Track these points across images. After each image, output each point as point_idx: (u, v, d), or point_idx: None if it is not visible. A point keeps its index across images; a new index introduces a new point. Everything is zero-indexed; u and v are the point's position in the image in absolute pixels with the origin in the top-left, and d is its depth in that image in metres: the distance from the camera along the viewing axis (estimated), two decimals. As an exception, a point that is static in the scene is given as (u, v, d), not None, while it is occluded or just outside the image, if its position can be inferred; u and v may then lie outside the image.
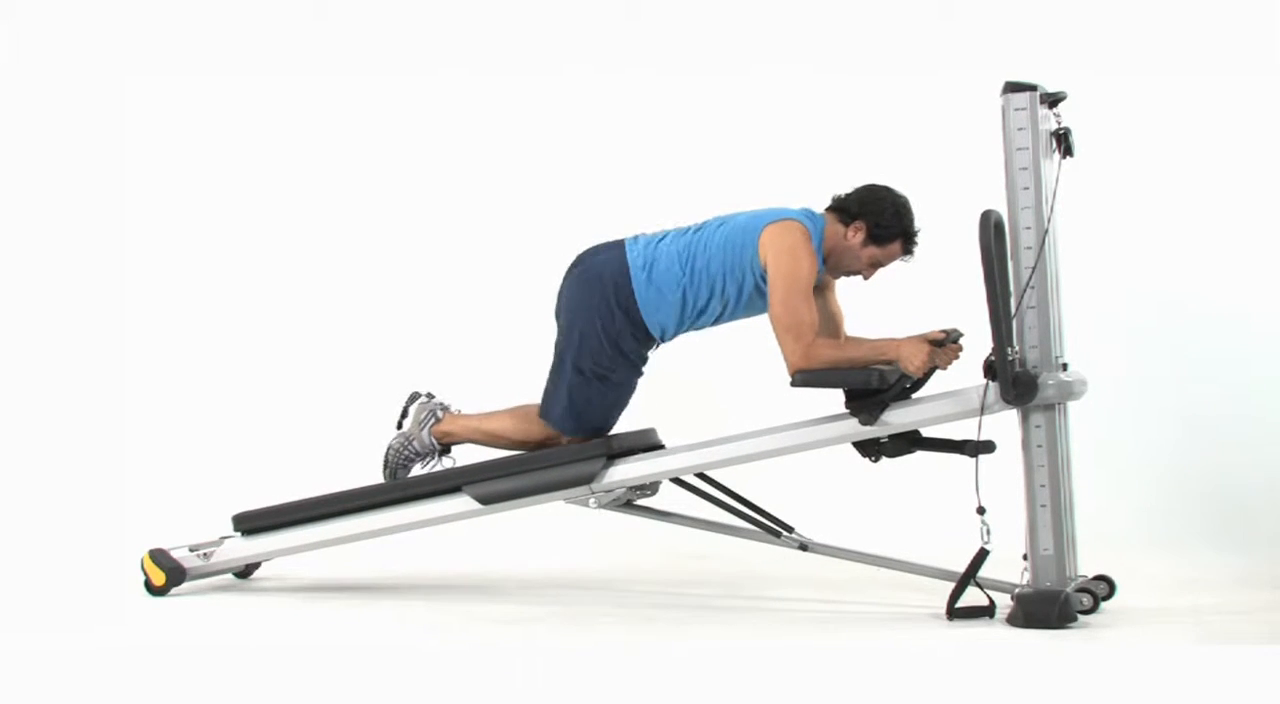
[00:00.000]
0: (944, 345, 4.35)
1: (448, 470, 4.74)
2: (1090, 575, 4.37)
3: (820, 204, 4.57)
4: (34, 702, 3.59)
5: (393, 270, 6.37)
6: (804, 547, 4.56)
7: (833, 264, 4.53)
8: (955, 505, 4.50)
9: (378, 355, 6.29)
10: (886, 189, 4.50)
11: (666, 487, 4.71)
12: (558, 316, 4.66)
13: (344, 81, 6.35)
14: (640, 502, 4.76)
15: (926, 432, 4.42)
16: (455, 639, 4.20)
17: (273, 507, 4.88)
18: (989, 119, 4.25)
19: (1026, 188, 4.21)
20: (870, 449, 4.47)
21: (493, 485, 4.64)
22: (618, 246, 4.57)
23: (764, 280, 4.43)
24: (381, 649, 4.06)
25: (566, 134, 6.29)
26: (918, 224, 4.51)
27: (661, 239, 4.56)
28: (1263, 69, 5.69)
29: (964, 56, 5.86)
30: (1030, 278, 4.20)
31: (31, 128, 6.38)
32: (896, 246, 4.51)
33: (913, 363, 4.34)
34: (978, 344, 4.29)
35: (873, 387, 4.35)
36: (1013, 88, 4.22)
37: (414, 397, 4.83)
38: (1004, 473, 4.37)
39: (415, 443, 4.76)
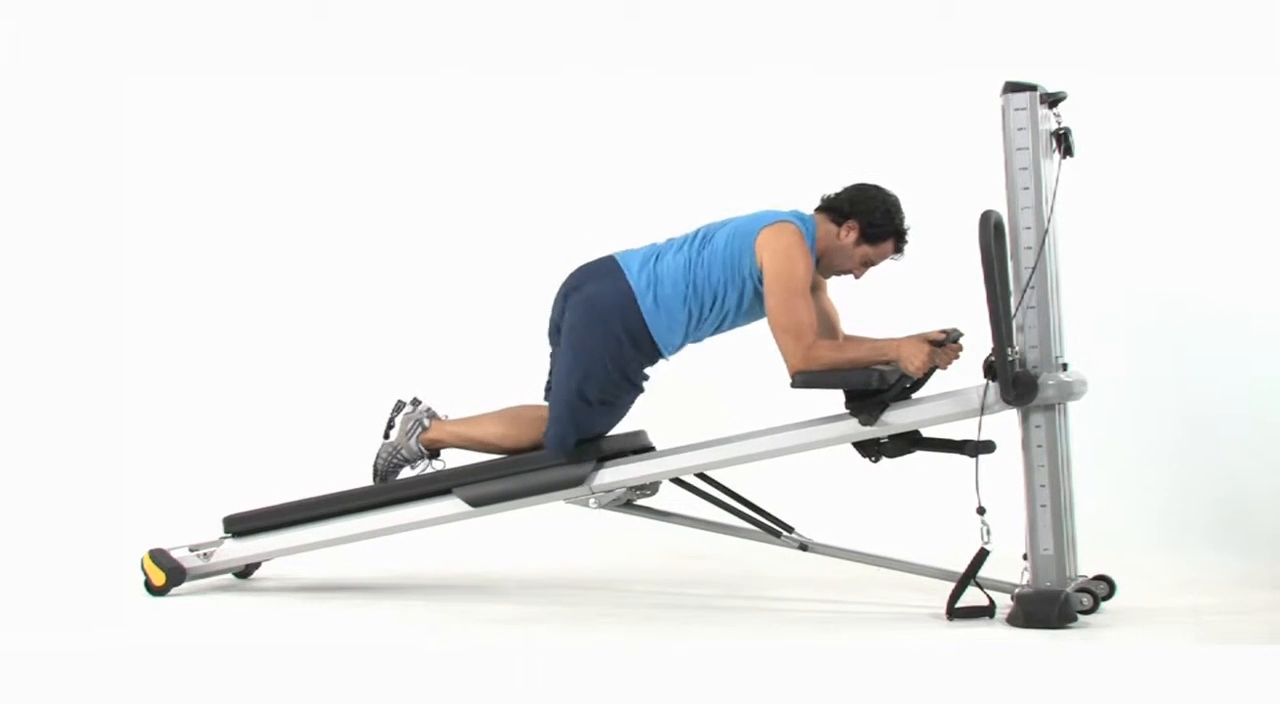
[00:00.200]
0: (944, 345, 4.35)
1: (438, 473, 4.74)
2: (1090, 575, 4.37)
3: (812, 206, 4.56)
4: (34, 702, 3.59)
5: (391, 270, 6.36)
6: (804, 547, 4.56)
7: (825, 264, 4.53)
8: (955, 505, 4.51)
9: (377, 355, 6.29)
10: (876, 188, 4.51)
11: (666, 487, 4.71)
12: (552, 335, 4.65)
13: (344, 81, 6.35)
14: (640, 502, 4.76)
15: (926, 432, 4.42)
16: (455, 639, 4.20)
17: (262, 509, 4.88)
18: (989, 119, 4.25)
19: (1026, 188, 4.21)
20: (870, 449, 4.47)
21: (483, 488, 4.64)
22: (615, 272, 4.53)
23: (761, 284, 4.43)
24: (381, 649, 4.06)
25: (566, 134, 6.29)
26: (908, 222, 4.51)
27: (658, 257, 4.53)
28: (1263, 69, 5.69)
29: (964, 56, 5.85)
30: (1030, 278, 4.20)
31: (32, 128, 6.37)
32: (889, 245, 4.51)
33: (913, 363, 4.34)
34: (978, 344, 4.29)
35: (873, 387, 4.35)
36: (1013, 88, 4.22)
37: (399, 406, 4.82)
38: (1004, 473, 4.37)
39: (403, 451, 4.76)
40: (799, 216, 4.50)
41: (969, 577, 4.26)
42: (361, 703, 3.55)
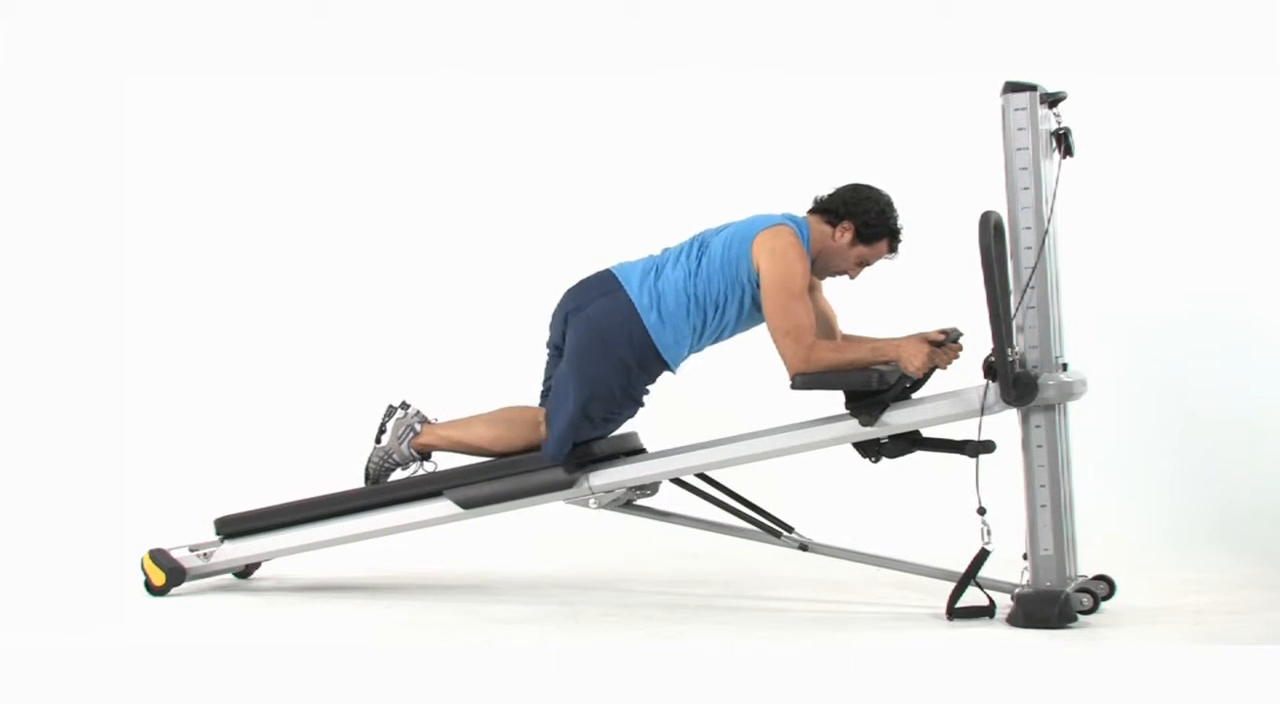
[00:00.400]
0: (944, 345, 4.35)
1: (429, 475, 4.75)
2: (1090, 575, 4.37)
3: (805, 209, 4.56)
4: (34, 702, 3.59)
5: (386, 272, 6.36)
6: (804, 547, 4.56)
7: (820, 265, 4.53)
8: (955, 505, 4.51)
9: (376, 355, 6.29)
10: (870, 188, 4.51)
11: (666, 487, 4.71)
12: (553, 349, 4.64)
13: (344, 81, 6.35)
14: (640, 502, 4.77)
15: (927, 432, 4.42)
16: (456, 639, 4.20)
17: (254, 511, 4.89)
18: (989, 119, 4.25)
19: (1026, 188, 4.21)
20: (870, 450, 4.47)
21: (473, 490, 4.65)
22: (615, 288, 4.52)
23: (759, 289, 4.42)
24: (381, 649, 4.06)
25: (565, 135, 6.29)
26: (902, 221, 4.51)
27: (657, 271, 4.52)
28: (1263, 69, 5.69)
29: (964, 56, 5.85)
30: (1030, 278, 4.20)
31: (32, 128, 6.38)
32: (883, 245, 4.51)
33: (913, 363, 4.34)
34: (978, 344, 4.29)
35: (873, 388, 4.35)
36: (1013, 88, 4.22)
37: (391, 411, 4.82)
38: (1004, 473, 4.37)
39: (395, 455, 4.76)
40: (792, 219, 4.50)
41: (969, 577, 4.25)
42: (362, 703, 3.55)
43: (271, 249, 6.40)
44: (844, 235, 4.49)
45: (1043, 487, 4.21)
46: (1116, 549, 4.89)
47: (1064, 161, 4.27)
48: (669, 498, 4.75)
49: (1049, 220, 4.22)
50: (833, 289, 4.68)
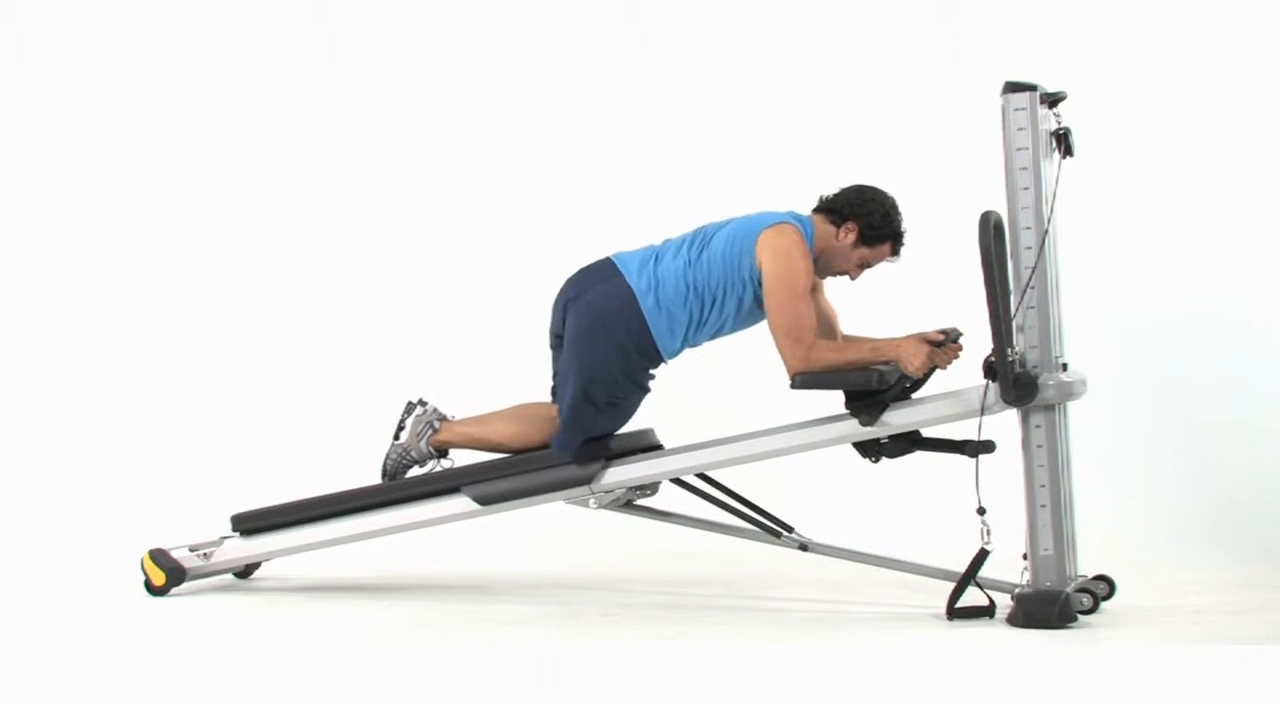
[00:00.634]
0: (943, 345, 4.35)
1: (447, 471, 4.75)
2: (1090, 575, 4.37)
3: (810, 207, 4.56)
4: (34, 702, 3.59)
5: (390, 270, 6.36)
6: (804, 547, 4.56)
7: (822, 265, 4.53)
8: (955, 505, 4.50)
9: (375, 355, 6.29)
10: (876, 190, 4.50)
11: (666, 487, 4.71)
12: (554, 344, 4.64)
13: (344, 81, 6.34)
14: (640, 502, 4.76)
15: (927, 432, 4.42)
16: (456, 639, 4.20)
17: (271, 507, 4.88)
18: (989, 119, 4.25)
19: (1026, 188, 4.21)
20: (870, 449, 4.47)
21: (491, 486, 4.64)
22: (614, 273, 4.53)
23: (761, 287, 4.42)
24: (382, 649, 4.06)
25: (566, 134, 6.29)
26: (905, 224, 4.51)
27: (656, 258, 4.53)
28: (1263, 69, 5.69)
29: (964, 56, 5.85)
30: (1030, 278, 4.20)
31: (32, 128, 6.37)
32: (886, 248, 4.51)
33: (912, 363, 4.33)
34: (978, 344, 4.29)
35: (873, 387, 4.35)
36: (1013, 88, 4.21)
37: (410, 408, 4.82)
38: (1004, 473, 4.37)
39: (413, 452, 4.76)
40: (796, 217, 4.49)
41: (969, 577, 4.25)
42: (362, 703, 3.55)
43: (273, 248, 6.40)
44: (847, 236, 4.48)
45: (1043, 487, 4.21)
46: (1116, 549, 4.89)
47: (1064, 161, 4.27)
48: (669, 498, 4.75)
49: (1049, 220, 4.22)
50: (833, 289, 4.68)
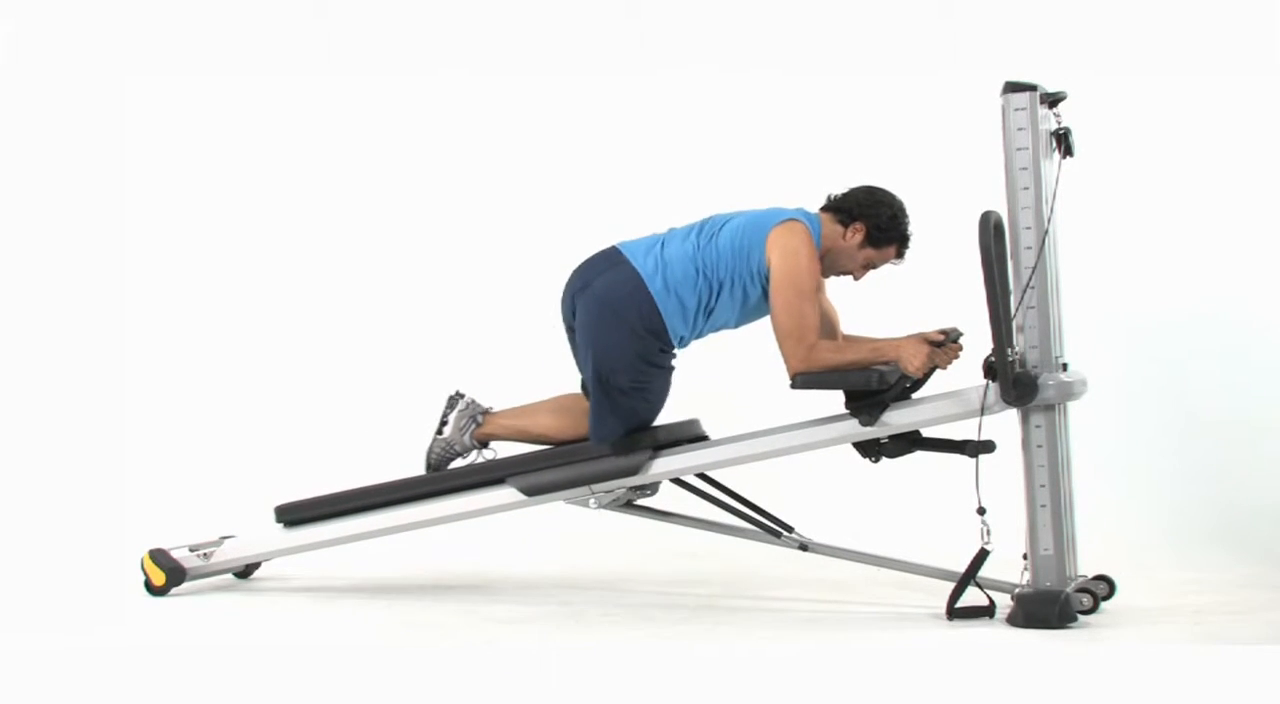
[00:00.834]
0: (944, 345, 4.35)
1: (493, 462, 4.72)
2: (1090, 575, 4.37)
3: (817, 204, 4.56)
4: (34, 702, 3.59)
5: (388, 270, 6.36)
6: (804, 547, 4.56)
7: (827, 264, 4.53)
8: (955, 505, 4.50)
9: (374, 355, 6.29)
10: (885, 191, 4.50)
11: (666, 487, 4.71)
12: (568, 331, 4.64)
13: (344, 81, 6.34)
14: (640, 501, 4.76)
15: (927, 432, 4.42)
16: (456, 639, 4.20)
17: (315, 498, 4.84)
18: (989, 119, 4.25)
19: (1026, 188, 4.21)
20: (870, 449, 4.47)
21: (537, 477, 4.61)
22: (620, 260, 4.53)
23: (767, 283, 4.42)
24: (381, 649, 4.06)
25: (568, 134, 6.29)
26: (912, 228, 4.51)
27: (663, 244, 4.54)
28: (1263, 69, 5.69)
29: (964, 56, 5.85)
30: (1030, 278, 4.20)
31: (31, 128, 6.37)
32: (892, 250, 4.52)
33: (913, 363, 4.33)
34: (978, 344, 4.29)
35: (873, 388, 4.35)
36: (1013, 88, 4.21)
37: (452, 402, 4.79)
38: (1004, 473, 4.37)
39: (457, 446, 4.75)
40: (806, 215, 4.49)
41: (969, 577, 4.25)
42: (362, 703, 3.55)
43: (273, 247, 6.40)
44: (854, 236, 4.48)
45: (1043, 487, 4.21)
46: (1116, 549, 4.89)
47: (1064, 161, 4.27)
48: (669, 498, 4.75)
49: (1049, 220, 4.22)
50: (834, 288, 4.68)
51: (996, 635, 4.08)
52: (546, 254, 5.23)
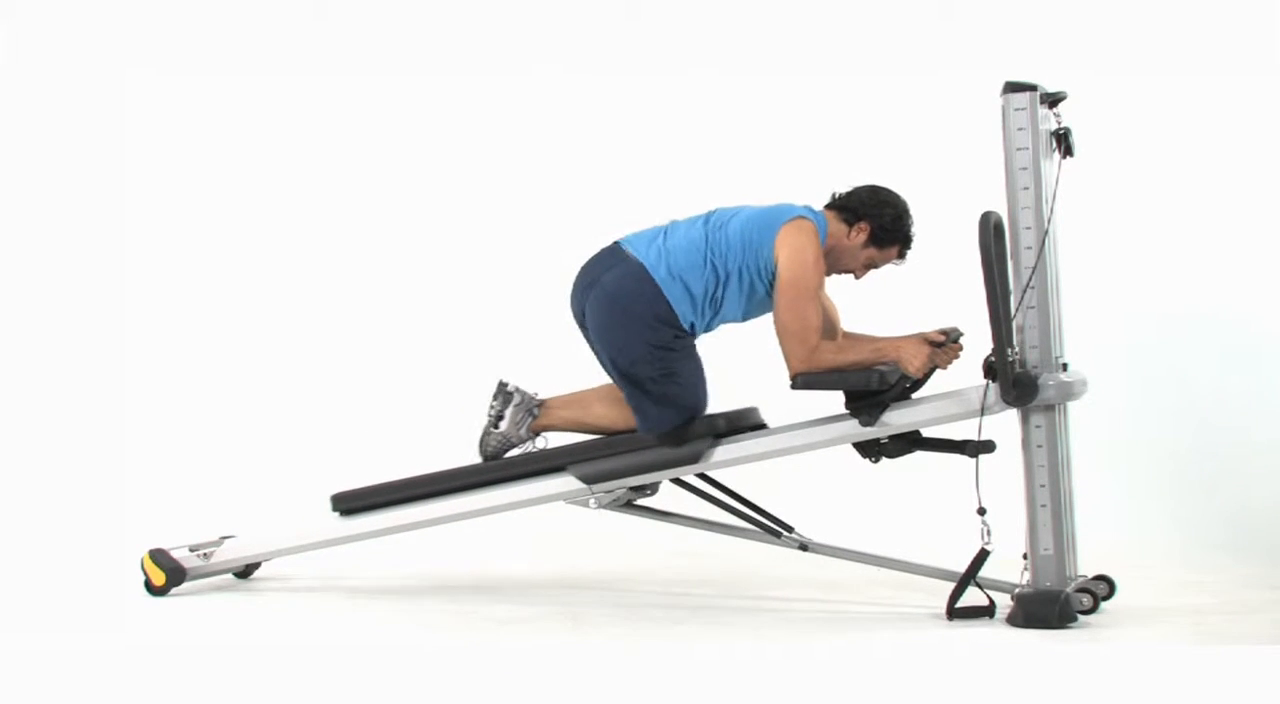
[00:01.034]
0: (944, 346, 4.35)
1: (552, 450, 4.69)
2: (1090, 575, 4.37)
3: (820, 203, 4.56)
4: (34, 702, 3.59)
5: (387, 270, 6.36)
6: (804, 547, 4.56)
7: (830, 262, 4.52)
8: (955, 505, 4.50)
9: (374, 355, 6.30)
10: (890, 191, 4.50)
11: (666, 487, 4.71)
12: (582, 330, 4.62)
13: (344, 81, 6.34)
14: (640, 501, 4.76)
15: (927, 432, 4.42)
16: (455, 639, 4.20)
17: (372, 486, 4.81)
18: (989, 119, 4.25)
19: (1026, 188, 4.21)
20: (870, 450, 4.47)
21: (597, 465, 4.58)
22: (623, 255, 4.52)
23: (773, 279, 4.41)
24: (382, 649, 4.06)
25: (569, 135, 6.29)
26: (915, 229, 4.51)
27: (665, 234, 4.53)
28: (1263, 69, 5.69)
29: (964, 56, 5.85)
30: (1030, 278, 4.20)
31: (31, 129, 6.36)
32: (894, 250, 4.51)
33: (913, 364, 4.34)
34: (978, 344, 4.29)
35: (873, 388, 4.35)
36: (1013, 88, 4.21)
37: (507, 397, 4.73)
38: (1004, 473, 4.37)
39: (513, 439, 4.73)
40: (812, 213, 4.49)
41: (969, 577, 4.25)
42: (362, 703, 3.55)
43: (272, 247, 6.40)
44: (858, 236, 4.48)
45: (1043, 487, 4.21)
46: (1116, 549, 4.88)
47: (1064, 161, 4.27)
48: (669, 498, 4.75)
49: (1049, 220, 4.22)
50: (834, 288, 4.68)
51: (996, 635, 4.08)
52: (546, 254, 5.24)
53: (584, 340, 4.65)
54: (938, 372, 4.43)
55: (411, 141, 6.39)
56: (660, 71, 6.18)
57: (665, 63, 6.16)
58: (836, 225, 4.49)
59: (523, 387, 4.74)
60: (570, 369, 4.84)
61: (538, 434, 4.74)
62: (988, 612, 4.24)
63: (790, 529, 4.59)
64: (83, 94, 6.36)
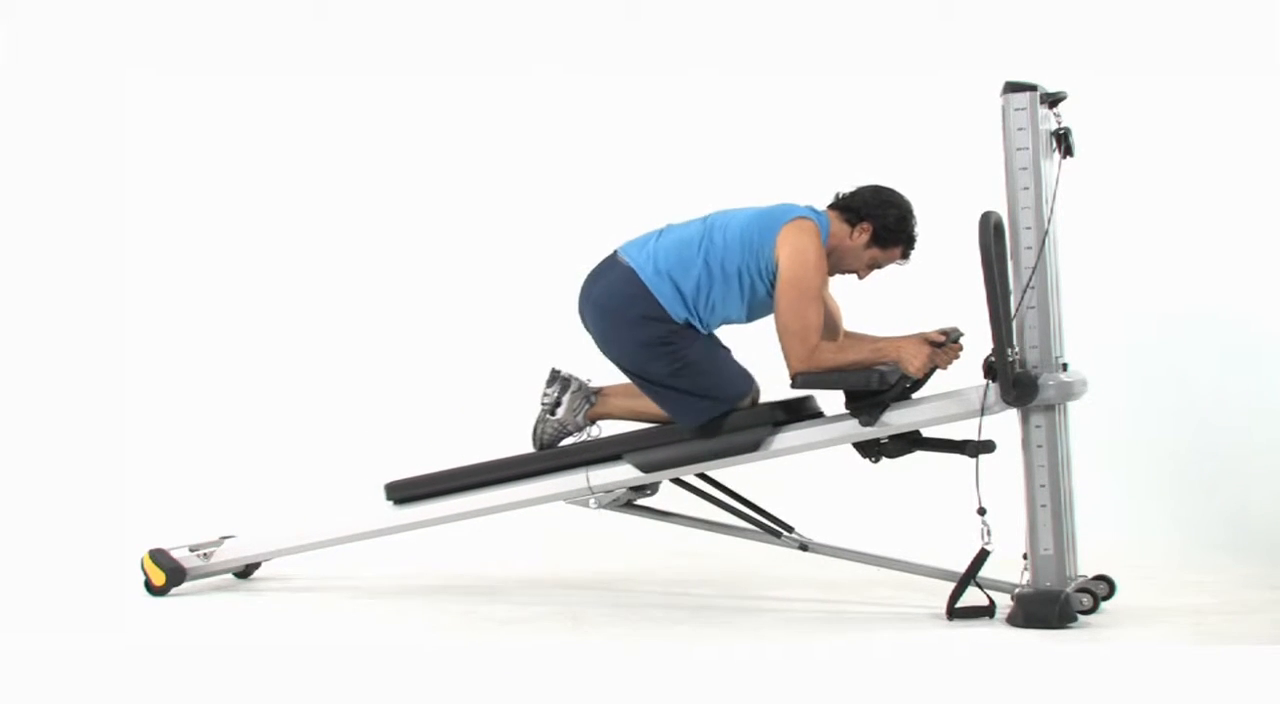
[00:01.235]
0: (944, 346, 4.35)
1: (610, 438, 4.66)
2: (1090, 575, 4.37)
3: (821, 203, 4.56)
4: (34, 702, 3.59)
5: (386, 270, 6.36)
6: (804, 547, 4.56)
7: (833, 263, 4.51)
8: (955, 505, 4.50)
9: (373, 355, 6.29)
10: (893, 191, 4.49)
11: (666, 487, 4.71)
12: (594, 338, 4.61)
13: (344, 81, 6.34)
14: (640, 502, 4.76)
15: (927, 432, 4.42)
16: (455, 639, 4.20)
17: (428, 474, 4.78)
18: (989, 119, 4.25)
19: (1026, 188, 4.21)
20: (871, 450, 4.47)
21: (655, 453, 4.55)
22: (616, 263, 4.53)
23: (774, 280, 4.41)
24: (381, 649, 4.06)
25: (570, 135, 6.29)
26: (919, 230, 4.51)
27: (659, 235, 4.53)
28: (1263, 69, 5.68)
29: (964, 56, 5.85)
30: (1030, 278, 4.20)
31: (32, 127, 6.36)
32: (897, 250, 4.51)
33: (913, 364, 4.33)
34: (978, 344, 4.29)
35: (873, 388, 4.35)
36: (1013, 88, 4.22)
37: (565, 383, 4.71)
38: (1004, 473, 4.37)
39: (569, 426, 4.72)
40: (814, 213, 4.48)
41: (969, 577, 4.25)
42: (362, 703, 3.55)
43: (272, 247, 6.40)
44: (861, 236, 4.47)
45: (1043, 487, 4.21)
46: (1116, 549, 4.88)
47: (1064, 161, 4.27)
48: (669, 498, 4.75)
49: (1049, 220, 4.22)
50: (835, 287, 4.68)
51: (996, 635, 4.08)
52: (546, 254, 5.24)
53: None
54: (938, 372, 4.42)
55: (412, 141, 6.39)
56: (660, 71, 6.17)
57: (665, 63, 6.16)
58: (839, 226, 4.48)
59: (573, 372, 4.73)
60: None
61: (593, 422, 4.74)
62: (988, 612, 4.24)
63: (790, 529, 4.59)
64: (83, 94, 6.35)
